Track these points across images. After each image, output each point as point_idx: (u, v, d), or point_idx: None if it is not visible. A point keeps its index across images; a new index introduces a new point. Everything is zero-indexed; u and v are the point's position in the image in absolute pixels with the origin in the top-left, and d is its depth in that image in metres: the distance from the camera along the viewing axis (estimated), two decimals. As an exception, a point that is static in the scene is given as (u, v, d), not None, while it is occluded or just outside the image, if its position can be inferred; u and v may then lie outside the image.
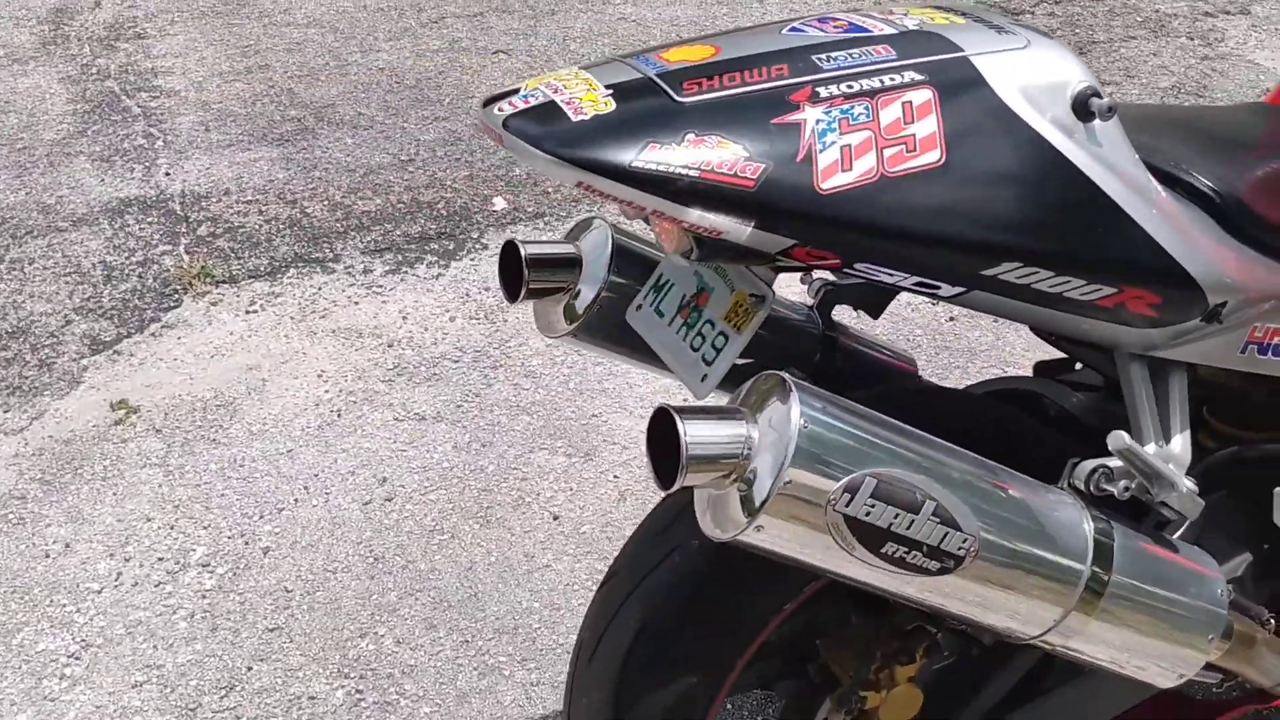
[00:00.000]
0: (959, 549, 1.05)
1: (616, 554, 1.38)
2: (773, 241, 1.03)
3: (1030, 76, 1.08)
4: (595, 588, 1.38)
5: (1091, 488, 1.18)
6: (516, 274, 1.35)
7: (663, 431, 1.01)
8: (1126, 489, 1.17)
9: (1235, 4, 4.40)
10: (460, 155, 3.39)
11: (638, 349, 1.43)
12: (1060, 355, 1.60)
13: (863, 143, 1.02)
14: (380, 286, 2.84)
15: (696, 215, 1.00)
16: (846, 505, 1.00)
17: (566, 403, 2.48)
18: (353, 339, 2.66)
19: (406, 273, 2.90)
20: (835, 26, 1.14)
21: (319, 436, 2.38)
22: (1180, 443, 1.23)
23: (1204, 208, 1.17)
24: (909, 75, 1.05)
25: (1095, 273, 1.10)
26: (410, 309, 2.77)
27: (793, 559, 1.05)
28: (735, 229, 1.01)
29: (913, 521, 1.03)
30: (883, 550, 1.03)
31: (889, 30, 1.11)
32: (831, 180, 1.01)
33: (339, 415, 2.43)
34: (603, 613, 1.32)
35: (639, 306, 1.33)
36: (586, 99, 1.06)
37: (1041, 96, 1.08)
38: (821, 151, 1.01)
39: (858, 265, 1.06)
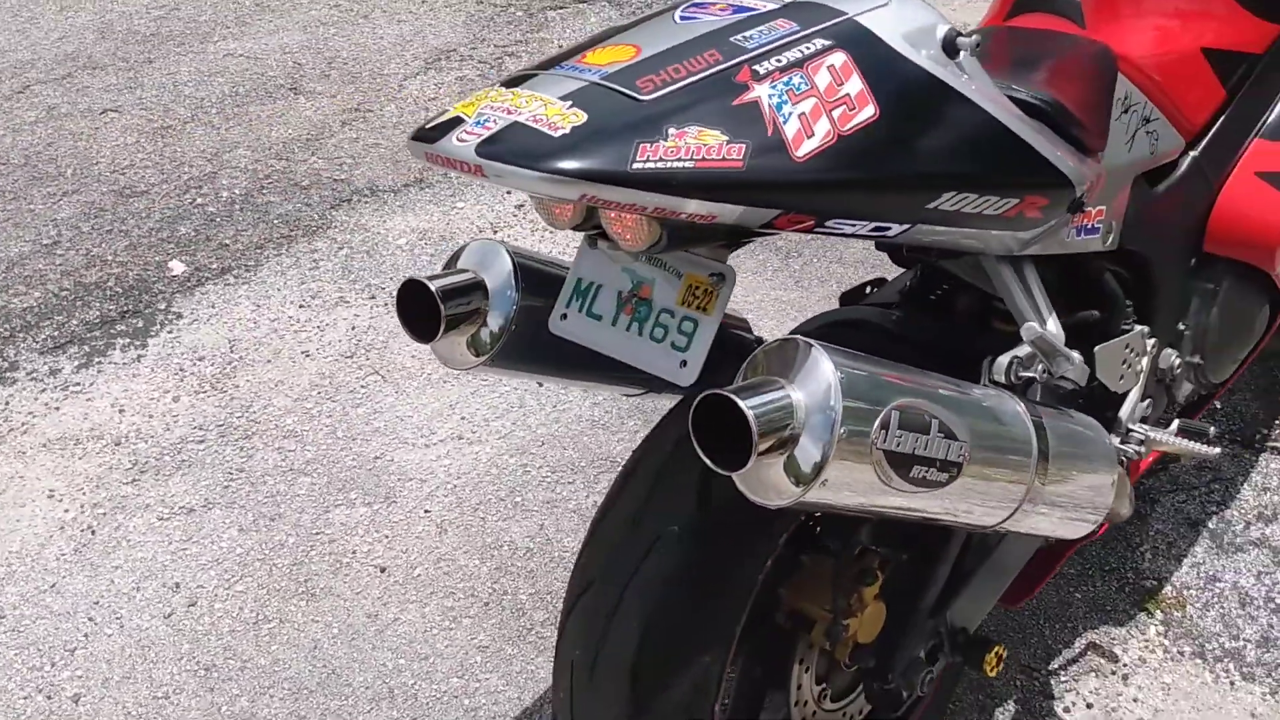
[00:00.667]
0: (959, 457, 1.12)
1: (574, 571, 1.35)
2: (760, 215, 1.05)
3: (905, 26, 1.16)
4: (564, 608, 1.34)
5: (1012, 377, 1.30)
6: (425, 312, 1.28)
7: (707, 418, 1.01)
8: (1044, 371, 1.30)
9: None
10: (110, 226, 3.07)
11: (561, 363, 1.40)
12: (862, 282, 1.75)
13: (813, 109, 1.06)
14: (77, 384, 2.53)
15: (695, 205, 1.00)
16: (883, 440, 1.05)
17: (342, 452, 2.33)
18: (71, 447, 2.36)
19: (101, 363, 2.59)
20: (721, 10, 1.17)
21: (80, 560, 2.09)
22: (1054, 324, 1.38)
23: (1041, 119, 1.31)
24: (819, 42, 1.11)
25: (1006, 188, 1.21)
26: (123, 400, 2.48)
27: (840, 506, 1.08)
28: (729, 210, 1.02)
29: (928, 442, 1.09)
30: (912, 475, 1.08)
31: (772, 5, 1.16)
32: (803, 147, 1.04)
33: (93, 532, 2.15)
34: (592, 626, 1.27)
35: (563, 316, 1.29)
36: (552, 113, 1.02)
37: (920, 42, 1.17)
38: (785, 123, 1.04)
39: (829, 222, 1.10)
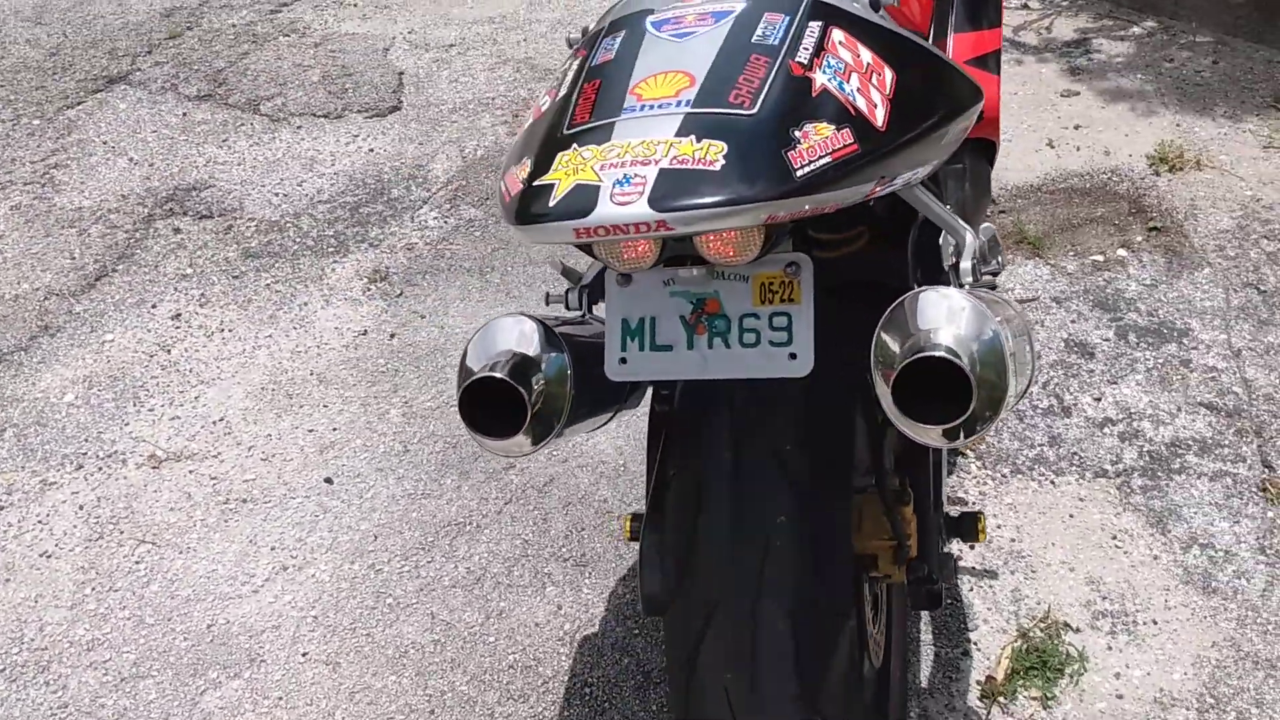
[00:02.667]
0: None
1: (677, 607, 1.34)
2: (868, 188, 1.12)
3: None
4: (680, 647, 1.34)
5: (977, 276, 1.46)
6: (496, 409, 1.20)
7: (914, 389, 1.07)
8: (996, 267, 1.49)
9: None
10: None
11: (603, 410, 1.37)
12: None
13: (860, 83, 1.15)
14: None
15: (853, 190, 1.05)
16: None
17: (167, 636, 2.05)
18: None
19: None
20: (698, 20, 1.21)
21: None
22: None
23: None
24: (813, 25, 1.19)
25: (970, 109, 1.36)
26: None
27: None
28: (859, 192, 1.09)
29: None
30: None
31: (740, 3, 1.22)
32: (878, 118, 1.13)
33: None
34: (738, 644, 1.29)
35: (623, 360, 1.27)
36: (687, 151, 1.02)
37: (856, 4, 1.29)
38: (854, 99, 1.12)
39: (897, 179, 1.18)
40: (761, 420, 1.34)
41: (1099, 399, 2.37)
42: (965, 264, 1.44)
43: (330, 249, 2.99)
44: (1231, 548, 2.05)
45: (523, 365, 1.24)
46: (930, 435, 1.10)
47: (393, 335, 2.70)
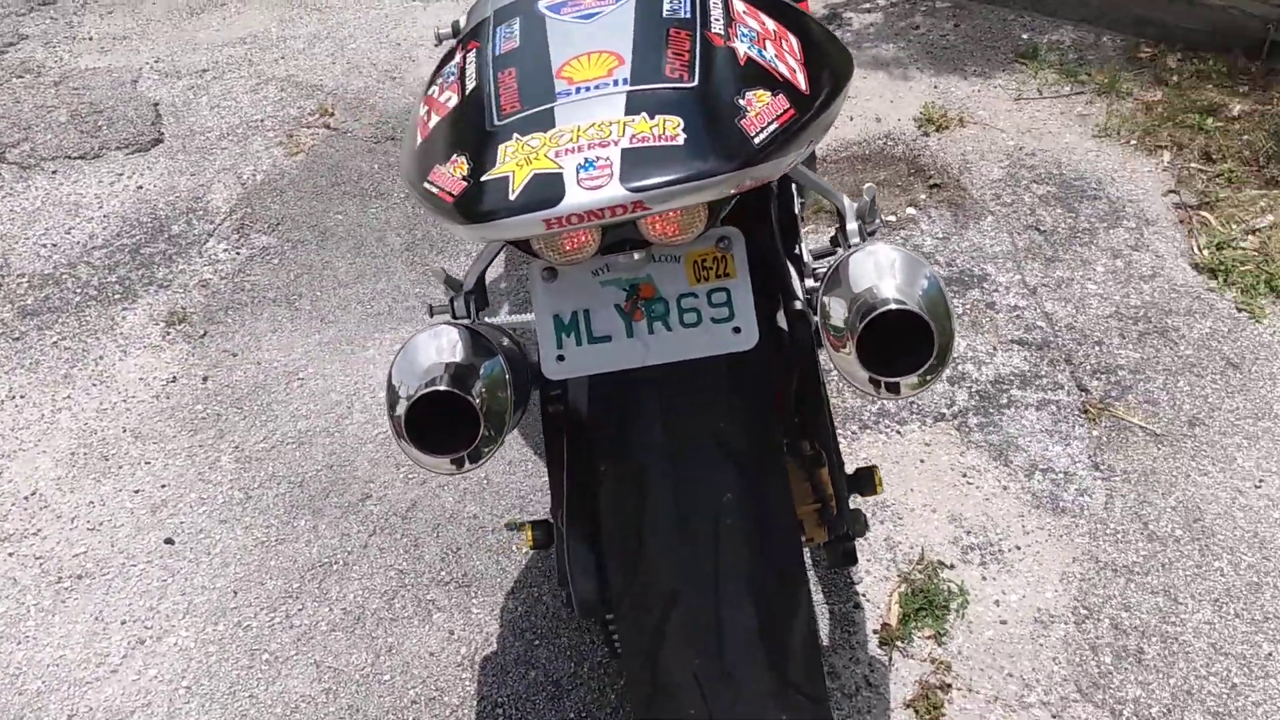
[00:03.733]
0: None
1: (627, 605, 1.32)
2: (805, 153, 1.13)
3: None
4: (638, 642, 1.31)
5: (864, 235, 1.50)
6: (445, 425, 1.14)
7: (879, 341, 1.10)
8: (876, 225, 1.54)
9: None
10: None
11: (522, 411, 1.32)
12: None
13: (774, 49, 1.16)
14: None
15: (794, 155, 1.06)
16: None
17: None
18: None
19: None
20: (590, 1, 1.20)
21: None
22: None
23: None
24: None
25: (851, 79, 1.39)
26: None
27: None
28: (798, 156, 1.10)
29: None
30: None
31: None
32: (800, 81, 1.14)
33: None
34: (703, 631, 1.28)
35: (560, 358, 1.23)
36: (644, 129, 1.00)
37: None
38: (776, 66, 1.13)
39: (816, 143, 1.20)
40: (693, 401, 1.33)
41: (924, 349, 2.50)
42: (852, 225, 1.48)
43: (116, 296, 2.77)
44: (1069, 469, 2.20)
45: (461, 375, 1.19)
46: (892, 389, 1.13)
47: (206, 379, 2.53)
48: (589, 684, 1.89)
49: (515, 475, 2.26)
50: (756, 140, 1.05)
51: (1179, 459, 2.19)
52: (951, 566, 2.04)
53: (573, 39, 1.16)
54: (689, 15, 1.17)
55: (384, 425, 2.38)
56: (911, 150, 3.17)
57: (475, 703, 1.88)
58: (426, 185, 1.14)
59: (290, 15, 3.94)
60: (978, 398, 2.37)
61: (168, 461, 2.34)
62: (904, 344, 1.14)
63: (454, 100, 1.20)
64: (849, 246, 1.48)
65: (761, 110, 1.08)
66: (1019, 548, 2.06)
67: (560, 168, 1.02)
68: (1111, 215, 2.82)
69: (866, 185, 1.53)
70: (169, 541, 2.17)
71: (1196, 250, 2.69)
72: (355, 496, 2.24)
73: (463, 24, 1.41)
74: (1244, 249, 2.69)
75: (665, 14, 1.17)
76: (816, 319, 1.36)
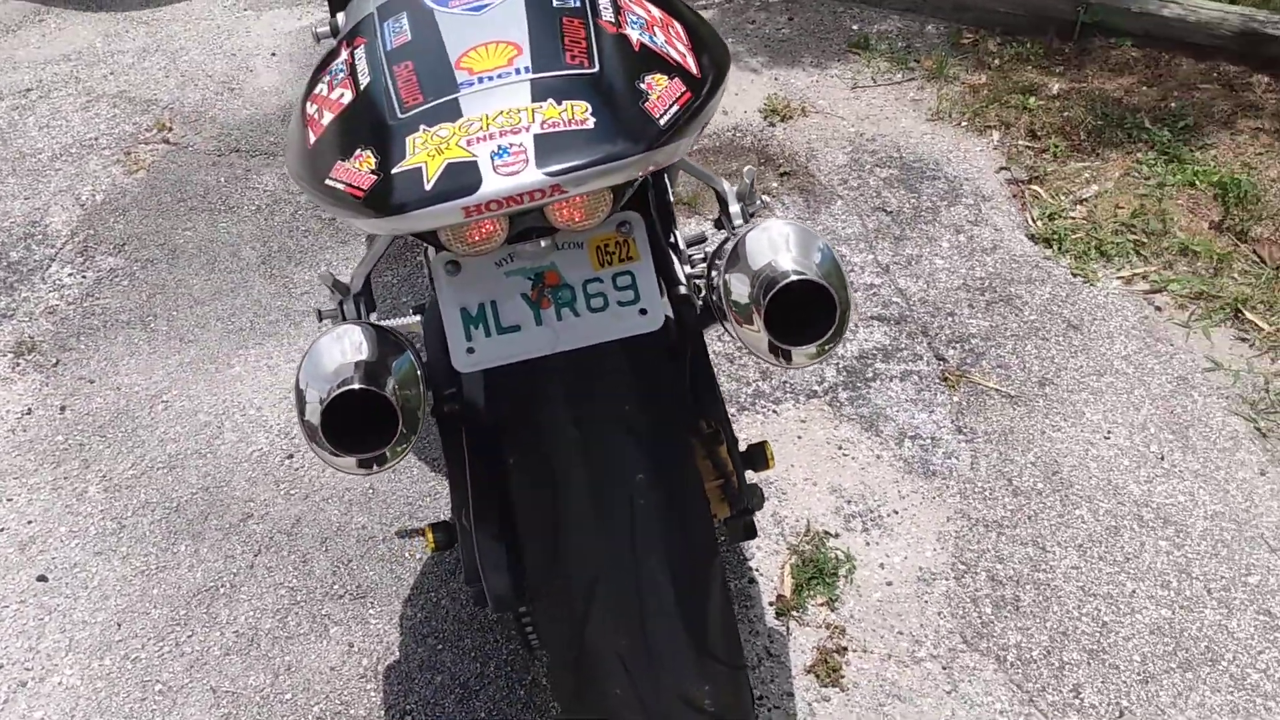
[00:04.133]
0: None
1: (545, 599, 1.34)
2: (698, 135, 1.17)
3: None
4: (559, 628, 1.33)
5: (745, 216, 1.55)
6: (359, 424, 1.13)
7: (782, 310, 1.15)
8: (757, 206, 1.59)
9: None
10: None
11: None
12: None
13: (663, 35, 1.20)
14: None
15: (692, 137, 1.10)
16: None
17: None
18: None
19: None
20: None
21: None
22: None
23: None
24: None
25: (729, 68, 1.44)
26: None
27: None
28: (694, 139, 1.14)
29: None
30: None
31: None
32: (691, 66, 1.18)
33: None
34: (626, 611, 1.31)
35: (469, 350, 1.24)
36: (552, 114, 1.03)
37: None
38: (668, 51, 1.17)
39: (705, 127, 1.25)
40: (595, 386, 1.36)
41: (790, 330, 2.59)
42: (735, 208, 1.54)
43: (-45, 329, 2.63)
44: (935, 434, 2.32)
45: (374, 373, 1.19)
46: (801, 358, 1.19)
47: (63, 408, 2.43)
48: (497, 683, 1.90)
49: (401, 482, 2.24)
50: (662, 121, 1.09)
51: (1034, 417, 2.33)
52: (836, 535, 2.12)
53: (466, 30, 1.18)
54: (579, 4, 1.20)
55: (259, 443, 2.33)
56: (760, 140, 3.26)
57: (383, 713, 1.86)
58: (329, 182, 1.14)
59: (115, 29, 3.79)
60: (845, 373, 2.46)
61: (31, 496, 2.24)
62: (804, 314, 1.20)
63: (348, 96, 1.20)
64: (733, 228, 1.54)
65: (661, 94, 1.12)
66: (896, 512, 2.16)
67: (474, 156, 1.04)
68: (951, 193, 2.97)
69: (746, 168, 1.59)
70: (42, 579, 2.08)
71: (1031, 222, 2.86)
72: (235, 517, 2.19)
73: (342, 23, 1.40)
74: (1073, 218, 2.86)
75: (555, 3, 1.19)
76: (708, 297, 1.41)
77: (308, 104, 1.27)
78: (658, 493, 1.34)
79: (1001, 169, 3.05)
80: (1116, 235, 2.77)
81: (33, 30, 3.88)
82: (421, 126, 1.08)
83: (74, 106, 3.40)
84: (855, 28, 3.72)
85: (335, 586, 2.06)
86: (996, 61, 3.47)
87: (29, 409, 2.43)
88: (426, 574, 2.08)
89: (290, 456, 2.30)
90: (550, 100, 1.07)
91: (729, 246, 1.30)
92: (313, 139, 1.21)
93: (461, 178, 1.03)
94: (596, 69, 1.12)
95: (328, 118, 1.21)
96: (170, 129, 3.26)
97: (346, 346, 1.22)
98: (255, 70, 3.54)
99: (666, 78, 1.15)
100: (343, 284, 1.54)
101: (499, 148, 1.04)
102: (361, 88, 1.19)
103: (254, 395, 2.44)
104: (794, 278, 1.17)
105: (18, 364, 2.54)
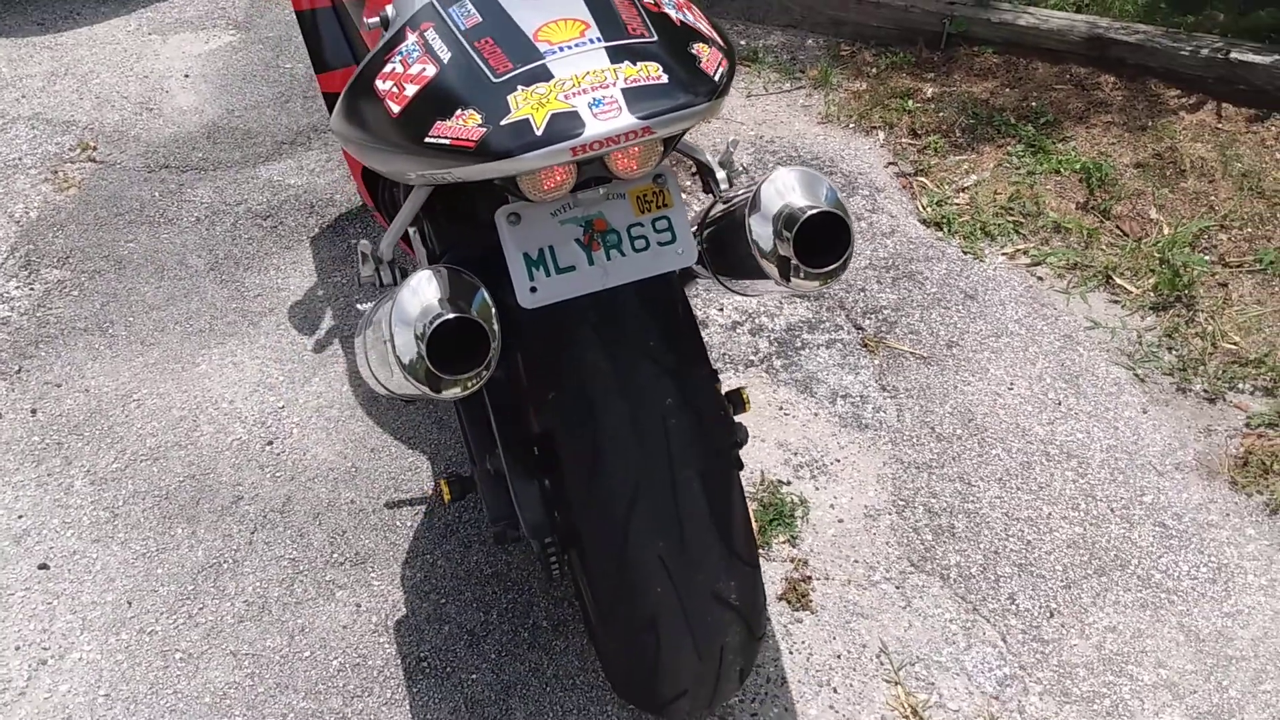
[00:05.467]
0: None
1: (590, 505, 1.52)
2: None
3: None
4: (606, 532, 1.52)
5: (730, 181, 1.78)
6: (455, 349, 1.31)
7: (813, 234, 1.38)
8: (738, 170, 1.82)
9: None
10: None
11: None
12: None
13: (689, 13, 1.45)
14: None
15: (728, 99, 1.34)
16: None
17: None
18: None
19: None
20: None
21: None
22: None
23: None
24: None
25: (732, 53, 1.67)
26: None
27: None
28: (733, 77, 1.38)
29: None
30: None
31: None
32: (720, 39, 1.43)
33: None
34: (664, 515, 1.51)
35: (533, 289, 1.42)
36: (631, 73, 1.24)
37: None
38: (698, 25, 1.42)
39: None
40: (623, 328, 1.56)
41: (722, 309, 2.83)
42: (721, 174, 1.77)
43: (-93, 344, 2.65)
44: (863, 393, 2.58)
45: (459, 305, 1.37)
46: (815, 281, 1.42)
47: (34, 411, 2.49)
48: (501, 628, 2.07)
49: (381, 460, 2.38)
50: (716, 78, 1.32)
51: (946, 374, 2.62)
52: (789, 483, 2.36)
53: (532, 12, 1.38)
54: None
55: (237, 433, 2.44)
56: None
57: (399, 661, 2.01)
58: (431, 140, 1.31)
59: (18, 54, 3.80)
60: (777, 344, 2.71)
61: (17, 494, 2.30)
62: (814, 244, 1.43)
63: (431, 69, 1.37)
64: (720, 192, 1.77)
65: (708, 58, 1.35)
66: (838, 460, 2.41)
67: (574, 106, 1.24)
68: (849, 186, 3.26)
69: (731, 139, 1.82)
70: (43, 567, 2.15)
71: (921, 209, 3.17)
72: (226, 500, 2.30)
73: (390, 14, 1.56)
74: (958, 204, 3.20)
75: None
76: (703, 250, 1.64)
77: (378, 82, 1.43)
78: (687, 414, 1.55)
79: (890, 164, 3.37)
80: (997, 218, 3.10)
81: (-72, 56, 3.85)
82: (519, 87, 1.27)
83: (-10, 128, 3.42)
84: (743, 43, 4.01)
85: (334, 555, 2.19)
86: (874, 70, 3.80)
87: (0, 414, 2.48)
88: (419, 538, 2.23)
89: (270, 443, 2.42)
90: (626, 61, 1.29)
91: (741, 201, 1.53)
92: (397, 109, 1.38)
93: (567, 124, 1.23)
94: (655, 38, 1.34)
95: (411, 89, 1.38)
96: (95, 148, 3.32)
97: (427, 290, 1.39)
98: (171, 91, 3.61)
99: (707, 46, 1.37)
100: (377, 254, 1.70)
101: (594, 99, 1.24)
102: (445, 61, 1.37)
103: (224, 390, 2.54)
104: (817, 210, 1.41)
105: (-22, 372, 2.58)
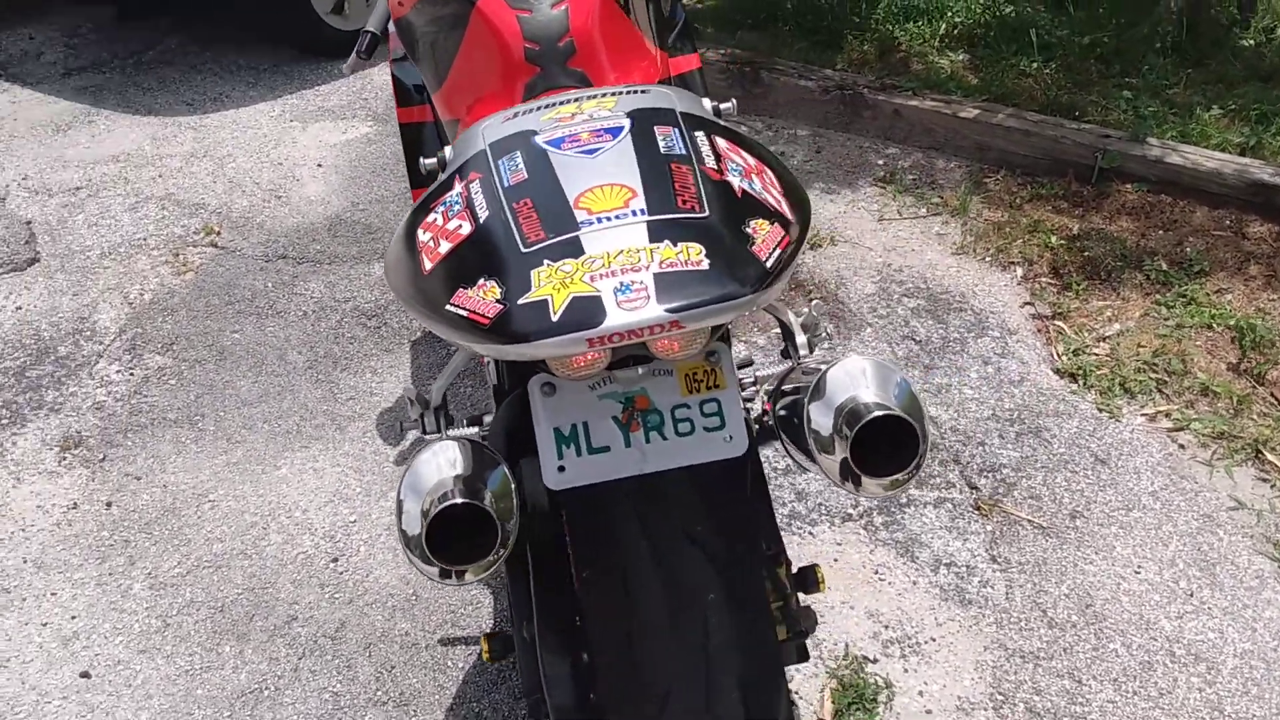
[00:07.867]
0: None
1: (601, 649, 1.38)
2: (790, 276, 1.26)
3: (684, 103, 1.43)
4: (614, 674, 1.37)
5: (811, 347, 1.63)
6: (460, 536, 1.18)
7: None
8: (824, 336, 1.66)
9: None
10: None
11: None
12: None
13: (759, 181, 1.30)
14: None
15: (789, 278, 1.18)
16: None
17: None
18: None
19: None
20: (593, 134, 1.30)
21: None
22: None
23: None
24: (699, 134, 1.33)
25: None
26: None
27: None
28: (790, 280, 1.22)
29: None
30: None
31: (621, 120, 1.32)
32: (785, 210, 1.29)
33: None
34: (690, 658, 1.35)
35: (560, 469, 1.29)
36: (670, 255, 1.10)
37: (708, 112, 1.44)
38: (765, 198, 1.27)
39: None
40: (668, 507, 1.41)
41: (825, 454, 2.64)
42: (801, 338, 1.62)
43: (4, 421, 2.67)
44: (970, 562, 2.36)
45: (473, 488, 1.24)
46: (876, 488, 1.25)
47: (109, 504, 2.46)
48: (540, 796, 1.90)
49: (444, 590, 2.27)
50: (768, 264, 1.17)
51: (1066, 549, 2.38)
52: (875, 660, 2.15)
53: (581, 172, 1.26)
54: (685, 151, 1.28)
55: (304, 546, 2.36)
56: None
57: (427, 823, 1.87)
58: (450, 309, 1.20)
59: (163, 133, 3.92)
60: (880, 498, 2.51)
61: (75, 592, 2.26)
62: (880, 445, 1.26)
63: (466, 228, 1.27)
64: (799, 358, 1.62)
65: (765, 238, 1.20)
66: (934, 639, 2.19)
67: (598, 291, 1.11)
68: (977, 326, 3.06)
69: (814, 301, 1.67)
70: (85, 675, 2.09)
71: (1056, 356, 2.94)
72: (280, 619, 2.21)
73: (449, 155, 1.48)
74: (1097, 354, 2.95)
75: (662, 150, 1.28)
76: (769, 420, 1.48)
77: (420, 231, 1.34)
78: (729, 612, 1.39)
79: (1026, 304, 3.15)
80: (1139, 373, 2.85)
81: (82, 130, 4.00)
82: (545, 261, 1.15)
83: (123, 206, 3.50)
84: (880, 163, 3.86)
85: (378, 693, 2.07)
86: (1018, 200, 3.59)
87: (75, 503, 2.46)
88: (469, 683, 2.09)
89: (335, 560, 2.33)
90: (666, 241, 1.15)
91: (809, 379, 1.37)
92: (429, 265, 1.28)
93: (586, 311, 1.10)
94: (707, 214, 1.20)
95: (445, 246, 1.27)
96: (219, 233, 3.36)
97: (443, 462, 1.27)
98: (301, 180, 3.65)
99: (768, 223, 1.23)
100: (424, 398, 1.60)
101: (621, 284, 1.11)
102: (481, 220, 1.26)
103: (300, 498, 2.47)
104: (879, 412, 1.24)
105: (64, 458, 2.58)
